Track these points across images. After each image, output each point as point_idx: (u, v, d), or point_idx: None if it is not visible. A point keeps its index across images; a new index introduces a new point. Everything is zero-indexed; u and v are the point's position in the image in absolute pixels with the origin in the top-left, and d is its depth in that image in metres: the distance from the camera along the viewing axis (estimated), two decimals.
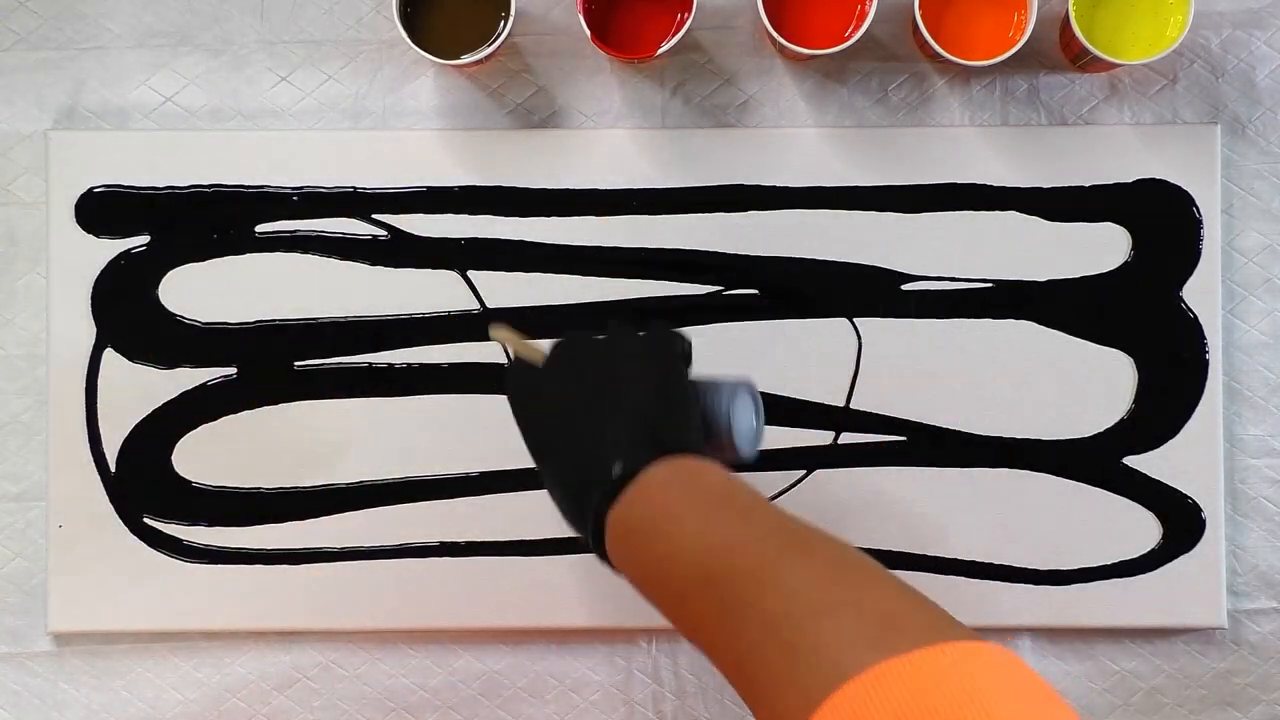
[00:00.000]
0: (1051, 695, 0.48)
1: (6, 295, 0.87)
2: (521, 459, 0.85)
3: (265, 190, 0.85)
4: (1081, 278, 0.85)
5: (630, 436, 0.61)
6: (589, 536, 0.62)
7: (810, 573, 0.52)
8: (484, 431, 0.85)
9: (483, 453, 0.85)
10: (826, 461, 0.85)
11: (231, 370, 0.85)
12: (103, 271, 0.85)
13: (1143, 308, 0.85)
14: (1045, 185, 0.85)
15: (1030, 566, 0.85)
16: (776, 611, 0.51)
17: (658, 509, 0.58)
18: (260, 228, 0.85)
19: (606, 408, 0.63)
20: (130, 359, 0.85)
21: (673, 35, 0.81)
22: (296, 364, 0.85)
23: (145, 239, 0.85)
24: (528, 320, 0.85)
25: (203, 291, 0.85)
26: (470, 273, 0.85)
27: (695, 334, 0.84)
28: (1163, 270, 0.85)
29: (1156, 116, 0.86)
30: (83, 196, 0.85)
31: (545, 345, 0.69)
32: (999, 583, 0.85)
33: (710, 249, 0.85)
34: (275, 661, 0.86)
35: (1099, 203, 0.85)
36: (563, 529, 0.85)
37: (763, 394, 0.84)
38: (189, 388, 0.85)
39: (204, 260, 0.85)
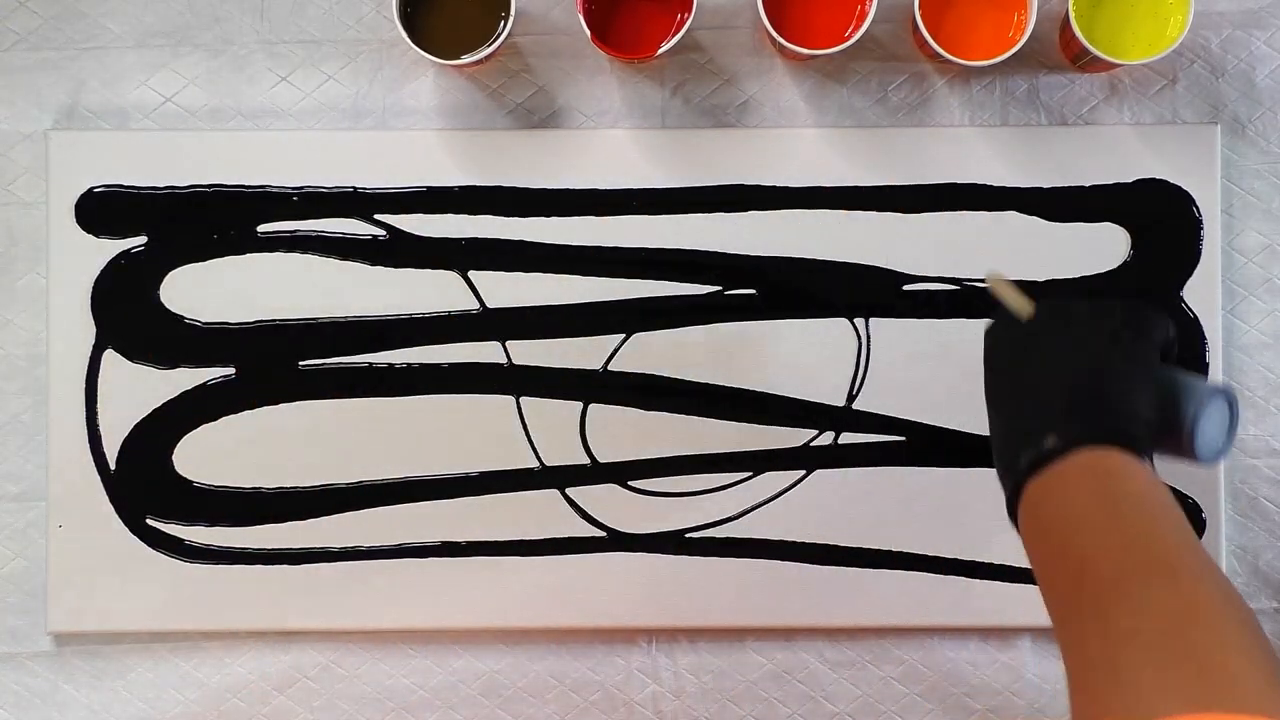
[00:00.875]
0: None
1: (6, 295, 0.87)
2: (521, 459, 0.85)
3: (265, 190, 0.85)
4: (1081, 278, 0.85)
5: (1073, 413, 0.61)
6: (1007, 497, 0.62)
7: (1166, 602, 0.51)
8: (484, 431, 0.85)
9: (483, 453, 0.85)
10: (826, 461, 0.85)
11: (231, 370, 0.85)
12: (103, 271, 0.85)
13: None
14: (1045, 185, 0.85)
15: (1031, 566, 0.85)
16: (1120, 632, 0.51)
17: (1069, 495, 0.59)
18: (261, 228, 0.85)
19: (1064, 377, 0.63)
20: (130, 359, 0.85)
21: (673, 35, 0.81)
22: (299, 364, 0.85)
23: (144, 239, 0.85)
24: (527, 320, 0.85)
25: (203, 291, 0.85)
26: (470, 273, 0.85)
27: (695, 334, 0.85)
28: (1163, 270, 0.85)
29: (1156, 116, 0.86)
30: (83, 196, 0.85)
31: (1029, 305, 0.69)
32: (999, 583, 0.85)
33: (710, 249, 0.85)
34: (275, 661, 0.86)
35: (1099, 203, 0.85)
36: (562, 529, 0.85)
37: (762, 394, 0.85)
38: (189, 388, 0.85)
39: (204, 260, 0.85)
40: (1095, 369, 0.63)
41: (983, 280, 0.74)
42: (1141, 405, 0.63)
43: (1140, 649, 0.49)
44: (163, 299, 0.85)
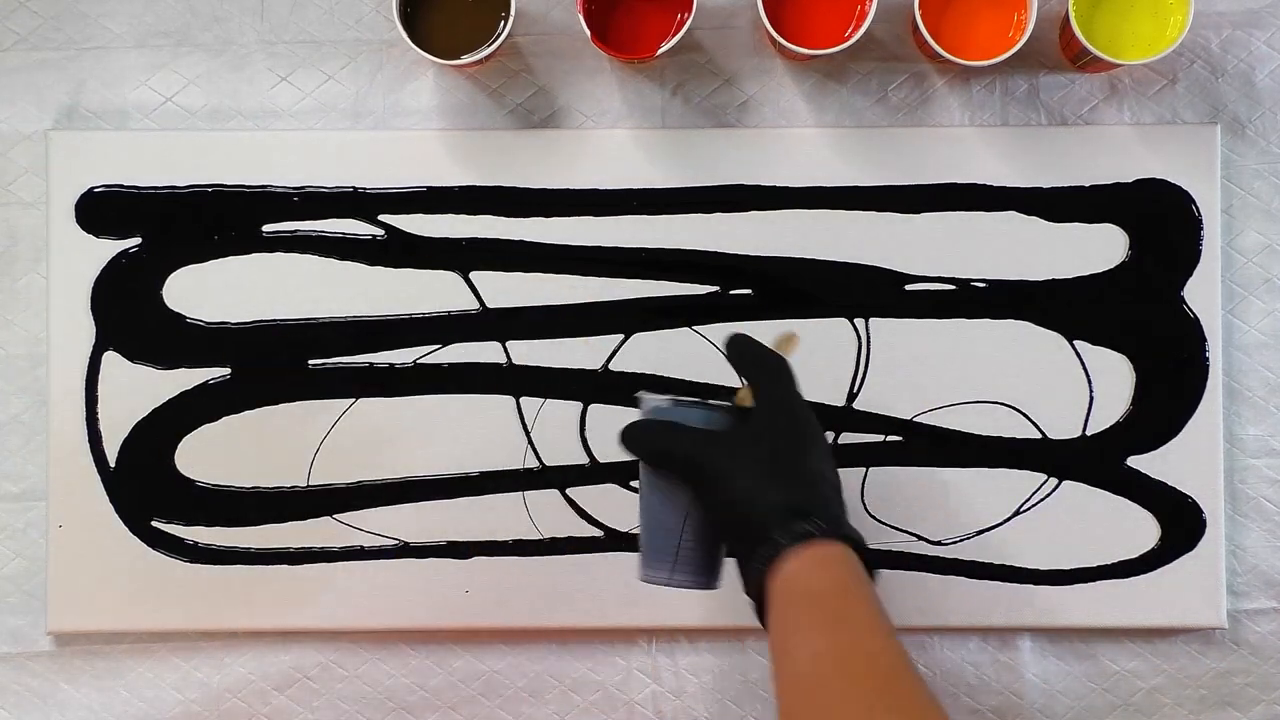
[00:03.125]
0: None
1: (6, 295, 0.87)
2: (521, 459, 0.85)
3: (266, 190, 0.85)
4: (1081, 278, 0.85)
5: (806, 506, 0.65)
6: (749, 591, 0.65)
7: None
8: (484, 431, 0.85)
9: (483, 453, 0.85)
10: None
11: (229, 370, 0.85)
12: (103, 271, 0.85)
13: (1143, 308, 0.85)
14: (1045, 185, 0.85)
15: (1030, 566, 0.85)
16: None
17: (802, 603, 0.62)
18: (262, 228, 0.85)
19: (798, 467, 0.66)
20: (130, 359, 0.85)
21: (673, 35, 0.81)
22: (300, 364, 0.85)
23: (141, 239, 0.85)
24: (527, 320, 0.85)
25: (203, 292, 0.85)
26: (470, 273, 0.85)
27: (695, 334, 0.85)
28: (1163, 270, 0.85)
29: (1156, 116, 0.86)
30: (83, 196, 0.85)
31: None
32: (999, 583, 0.85)
33: (710, 249, 0.85)
34: (275, 661, 0.86)
35: (1099, 203, 0.85)
36: (562, 529, 0.85)
37: None
38: (189, 387, 0.85)
39: (204, 261, 0.85)
40: (815, 456, 0.67)
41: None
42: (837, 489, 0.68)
43: None
44: (164, 299, 0.85)
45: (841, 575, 0.63)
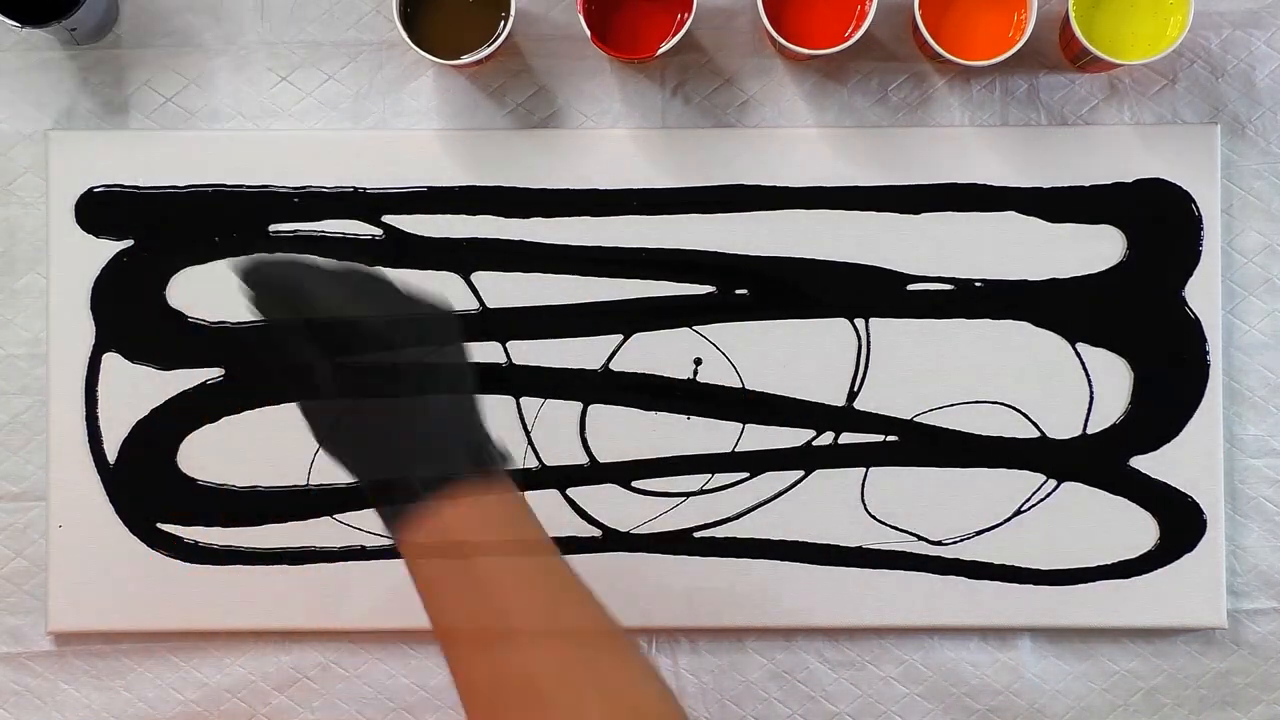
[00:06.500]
0: None
1: (6, 295, 0.87)
2: (521, 459, 0.85)
3: (266, 191, 0.85)
4: (1081, 278, 0.85)
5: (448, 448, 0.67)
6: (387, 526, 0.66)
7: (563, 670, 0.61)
8: None
9: None
10: (826, 461, 0.85)
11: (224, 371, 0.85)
12: (103, 271, 0.85)
13: (1143, 308, 0.85)
14: (1045, 185, 0.85)
15: (1030, 566, 0.85)
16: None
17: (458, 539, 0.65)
18: (263, 229, 0.85)
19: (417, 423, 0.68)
20: (130, 359, 0.85)
21: (673, 35, 0.81)
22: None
23: (141, 240, 0.85)
24: (527, 320, 0.85)
25: (203, 292, 0.85)
26: (471, 273, 0.85)
27: (695, 335, 0.85)
28: (1163, 270, 0.85)
29: (1156, 116, 0.86)
30: (83, 196, 0.85)
31: None
32: (999, 583, 0.85)
33: (710, 249, 0.85)
34: (275, 661, 0.86)
35: (1099, 203, 0.85)
36: (562, 529, 0.85)
37: (764, 394, 0.85)
38: (189, 387, 0.85)
39: (204, 262, 0.85)
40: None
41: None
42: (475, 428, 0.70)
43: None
44: (165, 298, 0.85)
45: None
